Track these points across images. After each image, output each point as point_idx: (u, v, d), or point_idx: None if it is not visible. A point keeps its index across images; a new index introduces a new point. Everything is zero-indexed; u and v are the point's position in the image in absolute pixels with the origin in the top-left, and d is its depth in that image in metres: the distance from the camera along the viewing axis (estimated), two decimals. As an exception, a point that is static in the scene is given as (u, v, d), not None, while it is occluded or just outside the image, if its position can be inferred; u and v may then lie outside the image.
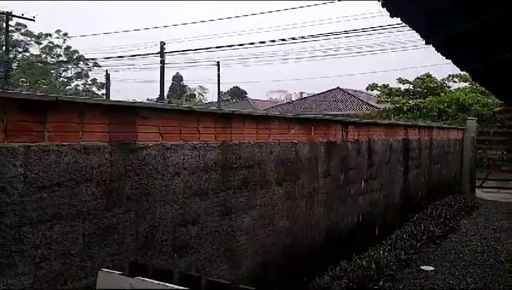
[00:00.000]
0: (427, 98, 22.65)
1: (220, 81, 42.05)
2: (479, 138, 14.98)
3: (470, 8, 3.56)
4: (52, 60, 40.99)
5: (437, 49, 4.45)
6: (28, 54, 40.42)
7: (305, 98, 46.47)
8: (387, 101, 25.59)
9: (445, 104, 21.29)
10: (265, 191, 4.76)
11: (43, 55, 40.85)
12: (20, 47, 39.39)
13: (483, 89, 19.99)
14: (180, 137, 3.73)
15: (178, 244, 3.68)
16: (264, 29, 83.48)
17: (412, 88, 25.62)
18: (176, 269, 3.51)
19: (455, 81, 26.49)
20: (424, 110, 21.59)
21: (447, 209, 9.87)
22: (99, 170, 3.06)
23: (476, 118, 15.76)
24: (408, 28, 3.76)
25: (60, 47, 41.17)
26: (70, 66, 41.90)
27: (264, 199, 4.75)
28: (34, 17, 30.62)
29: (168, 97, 51.78)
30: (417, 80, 25.60)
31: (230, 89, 71.93)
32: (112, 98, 37.09)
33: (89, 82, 43.17)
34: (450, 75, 26.52)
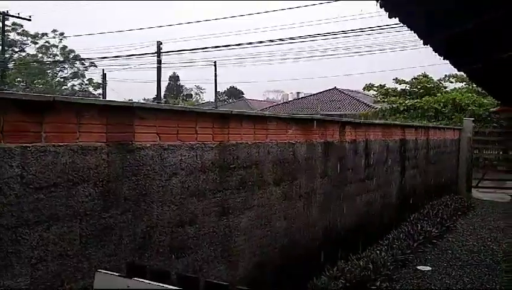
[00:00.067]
0: (423, 98, 22.69)
1: (217, 81, 42.04)
2: (475, 138, 15.03)
3: (467, 9, 3.57)
4: (49, 59, 40.87)
5: (435, 50, 4.46)
6: (24, 54, 40.32)
7: (301, 98, 46.56)
8: (384, 101, 25.66)
9: (442, 104, 21.34)
10: (262, 192, 4.75)
11: (40, 55, 40.74)
12: (16, 47, 39.26)
13: (480, 89, 20.06)
14: (177, 137, 3.72)
15: (175, 245, 3.67)
16: (260, 29, 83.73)
17: (409, 88, 25.69)
18: (173, 270, 3.50)
19: (451, 82, 26.64)
20: (421, 110, 21.63)
21: (443, 209, 9.90)
22: (96, 170, 3.05)
23: (473, 118, 15.82)
24: (407, 28, 3.76)
25: (56, 47, 41.09)
26: (66, 66, 41.79)
27: (262, 200, 4.75)
28: (30, 16, 30.51)
29: (164, 97, 51.72)
30: (413, 80, 25.67)
31: (227, 89, 71.96)
32: (108, 98, 37.04)
33: (86, 82, 43.09)
34: (446, 75, 26.68)
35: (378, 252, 6.46)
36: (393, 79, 26.24)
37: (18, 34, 38.80)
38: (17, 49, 39.68)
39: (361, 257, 6.14)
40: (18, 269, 2.58)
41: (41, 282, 2.69)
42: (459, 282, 5.93)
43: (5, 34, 34.43)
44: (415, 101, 22.75)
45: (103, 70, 39.14)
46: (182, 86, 72.77)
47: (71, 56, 41.38)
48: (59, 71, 42.28)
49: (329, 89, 41.61)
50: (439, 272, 6.30)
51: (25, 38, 39.55)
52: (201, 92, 74.11)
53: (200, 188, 3.91)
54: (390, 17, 3.28)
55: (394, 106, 23.24)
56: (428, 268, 6.45)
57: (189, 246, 3.80)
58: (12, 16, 33.23)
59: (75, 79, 42.66)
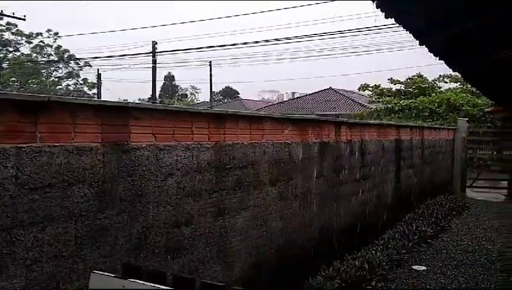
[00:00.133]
0: (418, 99, 22.80)
1: (212, 81, 41.99)
2: (469, 138, 15.10)
3: (465, 10, 3.58)
4: (43, 59, 40.70)
5: (430, 50, 4.48)
6: (18, 54, 40.12)
7: (297, 98, 46.58)
8: (379, 102, 25.74)
9: (436, 105, 21.45)
10: (258, 192, 4.75)
11: (34, 55, 40.56)
12: (10, 46, 39.06)
13: (474, 90, 20.17)
14: (173, 138, 3.71)
15: (171, 245, 3.66)
16: (256, 29, 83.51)
17: (403, 88, 25.78)
18: (169, 271, 3.49)
19: (446, 82, 26.76)
20: (415, 110, 21.73)
21: (438, 209, 9.94)
22: (91, 171, 3.03)
23: (467, 118, 15.89)
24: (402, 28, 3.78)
25: (51, 46, 40.93)
26: (61, 66, 41.63)
27: (258, 200, 4.74)
28: (24, 16, 30.32)
29: (159, 97, 51.63)
30: (408, 80, 25.78)
31: (223, 89, 71.92)
32: (103, 98, 36.91)
33: (80, 82, 42.95)
34: (440, 75, 26.80)
35: (373, 252, 6.48)
36: (388, 79, 26.36)
37: (12, 33, 38.64)
38: (11, 49, 39.50)
39: (357, 257, 6.15)
40: (13, 271, 2.56)
41: (36, 283, 2.68)
42: (454, 282, 5.95)
43: (0, 33, 34.25)
44: (410, 101, 22.86)
45: (98, 70, 39.05)
46: (177, 86, 72.67)
47: (66, 56, 41.22)
48: (53, 71, 42.14)
49: (325, 89, 41.66)
50: (434, 271, 6.33)
51: (20, 37, 39.38)
52: (196, 92, 74.08)
53: (196, 189, 3.91)
54: (386, 17, 3.29)
55: (389, 106, 23.34)
56: (424, 268, 6.47)
57: (185, 247, 3.79)
58: (7, 16, 32.99)
59: (70, 79, 42.54)
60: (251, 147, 4.62)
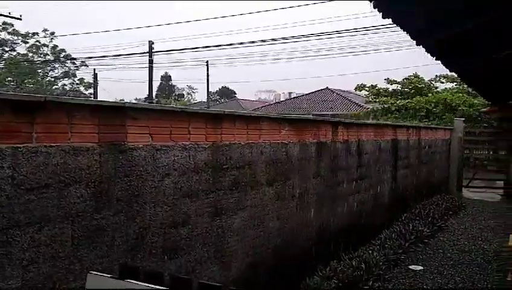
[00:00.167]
0: (414, 99, 22.83)
1: (209, 81, 41.96)
2: (466, 138, 15.15)
3: (462, 10, 3.59)
4: (39, 59, 40.57)
5: (427, 50, 4.49)
6: (14, 53, 39.97)
7: (294, 98, 46.60)
8: (375, 102, 25.78)
9: (433, 105, 21.49)
10: (255, 192, 4.75)
11: (30, 55, 40.42)
12: (6, 46, 38.91)
13: (470, 90, 20.25)
14: (170, 138, 3.70)
15: (168, 246, 3.65)
16: (252, 29, 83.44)
17: (400, 88, 25.82)
18: (166, 271, 3.48)
19: (442, 82, 26.82)
20: (412, 110, 21.77)
21: (434, 209, 9.96)
22: (88, 171, 3.02)
23: (463, 118, 15.94)
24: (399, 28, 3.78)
25: (47, 46, 40.77)
26: (57, 66, 41.50)
27: (255, 200, 4.74)
28: (20, 16, 30.20)
29: (156, 97, 51.54)
30: (405, 80, 25.81)
31: (219, 89, 71.88)
32: (99, 98, 36.84)
33: (76, 81, 42.80)
34: (437, 75, 26.85)
35: (370, 251, 6.49)
36: (385, 79, 26.39)
37: (8, 33, 38.46)
38: (7, 49, 39.33)
39: (354, 257, 6.16)
40: (9, 271, 2.55)
41: (32, 284, 2.66)
42: (450, 281, 5.97)
43: (-5, 33, 34.13)
44: (407, 101, 22.89)
45: (94, 70, 38.95)
46: (174, 85, 72.62)
47: (62, 55, 41.09)
48: (50, 71, 41.98)
49: (321, 89, 41.69)
50: (431, 271, 6.34)
51: (16, 37, 39.20)
52: (193, 92, 74.02)
53: (193, 189, 3.90)
54: (383, 17, 3.30)
55: (386, 106, 23.37)
56: (420, 267, 6.48)
57: (182, 247, 3.78)
58: (3, 16, 32.87)
59: (66, 79, 42.38)
60: (248, 147, 4.62)
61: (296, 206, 5.53)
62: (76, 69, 42.16)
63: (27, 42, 39.96)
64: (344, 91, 42.34)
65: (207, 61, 40.15)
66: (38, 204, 2.70)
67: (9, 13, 28.92)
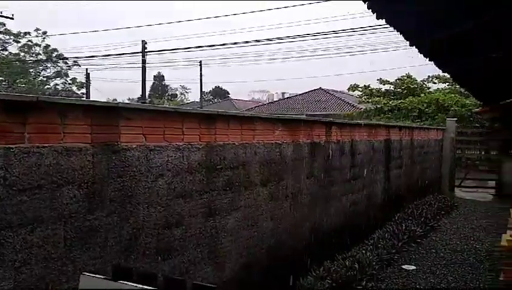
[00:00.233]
0: (407, 99, 22.93)
1: (202, 81, 41.89)
2: (458, 138, 15.24)
3: (456, 12, 3.61)
4: (31, 58, 40.30)
5: (420, 51, 4.51)
6: (6, 53, 39.66)
7: (287, 98, 46.66)
8: (368, 102, 25.86)
9: (425, 105, 21.59)
10: (249, 192, 4.74)
11: (22, 54, 40.14)
12: (-2, 45, 38.62)
13: (462, 90, 20.37)
14: (164, 138, 3.69)
15: (162, 246, 3.63)
16: (246, 29, 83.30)
17: (393, 89, 25.92)
18: (160, 272, 3.47)
19: (434, 82, 26.96)
20: (405, 110, 21.86)
21: (427, 209, 10.01)
22: (81, 172, 3.00)
23: (455, 119, 16.03)
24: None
25: (39, 46, 40.52)
26: (49, 65, 41.25)
27: (249, 200, 4.74)
28: (12, 15, 29.98)
29: (149, 97, 51.36)
30: (397, 80, 25.91)
31: (212, 89, 71.78)
32: (92, 98, 36.66)
33: (69, 81, 42.57)
34: (429, 76, 26.96)
35: (363, 251, 6.51)
36: (378, 79, 26.47)
37: (0, 32, 38.18)
38: (-1, 48, 39.05)
39: (347, 257, 6.17)
40: (1, 273, 2.53)
41: (25, 286, 2.64)
42: (443, 281, 6.00)
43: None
44: (399, 101, 22.98)
45: (87, 69, 38.77)
46: (167, 85, 72.44)
47: (54, 55, 40.85)
48: (42, 70, 41.73)
49: (315, 89, 41.78)
50: (424, 271, 6.37)
51: (7, 37, 38.93)
52: (186, 92, 73.85)
53: (186, 189, 3.89)
54: (377, 18, 3.31)
55: (378, 106, 23.45)
56: (413, 267, 6.51)
57: (175, 248, 3.77)
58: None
59: (58, 78, 42.14)
60: (242, 147, 4.62)
61: (289, 207, 5.53)
62: (69, 69, 41.97)
63: (19, 42, 39.71)
64: (337, 91, 42.46)
65: (200, 61, 40.11)
66: (30, 205, 2.68)
67: (1, 12, 28.71)
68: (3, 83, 37.85)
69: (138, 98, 39.71)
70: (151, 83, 66.11)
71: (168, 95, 69.17)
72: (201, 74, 41.27)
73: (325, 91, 41.20)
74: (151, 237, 3.53)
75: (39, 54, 40.91)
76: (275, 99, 52.15)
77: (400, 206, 9.81)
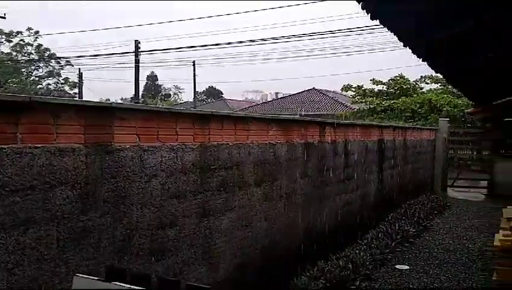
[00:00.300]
0: (400, 99, 23.05)
1: (196, 81, 41.79)
2: (450, 138, 15.33)
3: (448, 14, 3.62)
4: (23, 58, 40.04)
5: (414, 52, 4.53)
6: (-3, 52, 39.38)
7: (281, 98, 46.69)
8: (362, 102, 25.97)
9: (418, 105, 21.72)
10: (243, 193, 4.74)
11: (14, 54, 39.86)
12: (-11, 45, 38.33)
13: (454, 91, 20.50)
14: (157, 138, 3.67)
15: (155, 247, 3.62)
16: (240, 29, 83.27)
17: (386, 89, 26.03)
18: (154, 273, 3.46)
19: (427, 83, 27.14)
20: (397, 111, 21.97)
21: (420, 209, 10.06)
22: (74, 172, 2.98)
23: (448, 119, 16.13)
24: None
25: (31, 45, 40.27)
26: (41, 65, 41.01)
27: (243, 201, 4.73)
28: (4, 14, 29.76)
29: (142, 97, 51.14)
30: (390, 81, 26.04)
31: (206, 89, 71.66)
32: (84, 97, 36.46)
33: (61, 81, 42.35)
34: (422, 76, 27.12)
35: (357, 251, 6.53)
36: (371, 80, 26.58)
37: (-9, 31, 37.92)
38: (-10, 47, 38.75)
39: (341, 257, 6.18)
40: (-7, 275, 2.50)
41: (18, 287, 2.62)
42: (436, 280, 6.02)
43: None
44: (392, 101, 23.10)
45: (79, 69, 38.57)
46: (160, 85, 72.19)
47: (46, 55, 40.61)
48: (34, 70, 41.47)
49: (308, 90, 41.86)
50: (417, 270, 6.39)
51: (-1, 36, 38.65)
52: (179, 92, 73.67)
53: (180, 190, 3.87)
54: (371, 18, 3.31)
55: (372, 106, 23.54)
56: (406, 267, 6.53)
57: (169, 249, 3.75)
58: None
59: (51, 78, 41.91)
60: (236, 147, 4.61)
61: (283, 207, 5.53)
62: (61, 69, 41.74)
63: (11, 41, 39.46)
64: (331, 91, 42.57)
65: (194, 61, 40.02)
66: (23, 206, 2.65)
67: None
68: (-5, 82, 37.57)
69: (131, 98, 39.54)
70: (145, 83, 65.88)
71: (162, 95, 68.97)
72: (194, 73, 41.20)
73: (318, 91, 41.29)
74: (144, 238, 3.52)
75: (31, 53, 40.66)
76: (268, 100, 52.16)
77: (393, 206, 9.85)
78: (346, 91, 29.09)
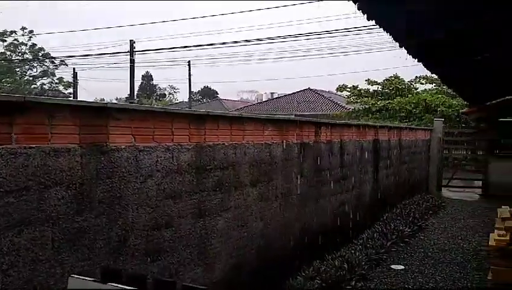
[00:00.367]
0: (395, 99, 23.11)
1: (191, 81, 41.69)
2: (445, 139, 15.38)
3: (444, 14, 3.64)
4: (17, 58, 39.84)
5: (409, 52, 4.54)
6: (-9, 52, 39.17)
7: (276, 98, 46.70)
8: (357, 102, 26.02)
9: (413, 105, 21.78)
10: (239, 193, 4.73)
11: (8, 53, 39.65)
12: (-18, 44, 38.11)
13: (449, 91, 20.58)
14: (153, 138, 3.66)
15: (151, 248, 3.61)
16: (235, 29, 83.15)
17: (381, 89, 26.08)
18: (149, 274, 3.45)
19: (422, 83, 27.17)
20: (392, 111, 22.02)
21: (415, 208, 10.09)
22: (69, 173, 2.97)
23: (443, 119, 16.18)
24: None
25: (25, 44, 40.07)
26: (35, 64, 40.82)
27: (238, 201, 4.72)
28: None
29: (137, 97, 50.99)
30: (385, 81, 26.09)
31: (201, 89, 71.56)
32: (79, 97, 36.32)
33: (56, 81, 42.16)
34: (417, 76, 27.17)
35: (353, 251, 6.54)
36: (366, 80, 26.61)
37: (-15, 31, 37.70)
38: (-17, 47, 38.53)
39: (337, 257, 6.19)
40: (-13, 276, 2.49)
41: (12, 288, 2.60)
42: (431, 280, 6.04)
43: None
44: (387, 102, 23.15)
45: (74, 69, 38.37)
46: (156, 85, 72.03)
47: (40, 54, 40.43)
48: (28, 70, 41.27)
49: (303, 90, 41.89)
50: (412, 270, 6.41)
51: (-8, 35, 38.45)
52: (174, 92, 73.52)
53: (176, 190, 3.86)
54: (368, 19, 3.32)
55: (367, 106, 23.59)
56: (402, 267, 6.55)
57: (165, 249, 3.74)
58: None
59: (45, 78, 41.72)
60: (232, 147, 4.60)
61: (279, 207, 5.53)
62: (55, 68, 41.56)
63: (5, 40, 39.25)
64: (326, 92, 42.61)
65: (189, 61, 39.93)
66: (17, 207, 2.64)
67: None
68: (-11, 82, 37.38)
69: (126, 97, 39.48)
70: (140, 83, 65.66)
71: (157, 95, 68.82)
72: (189, 73, 41.11)
73: (313, 91, 41.33)
74: (140, 239, 3.51)
75: (25, 53, 40.46)
76: (263, 100, 52.18)
77: (389, 206, 9.88)
78: (342, 91, 29.09)
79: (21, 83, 39.19)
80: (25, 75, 41.21)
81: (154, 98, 63.19)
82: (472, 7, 3.58)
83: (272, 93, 56.47)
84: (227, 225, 4.54)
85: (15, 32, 39.19)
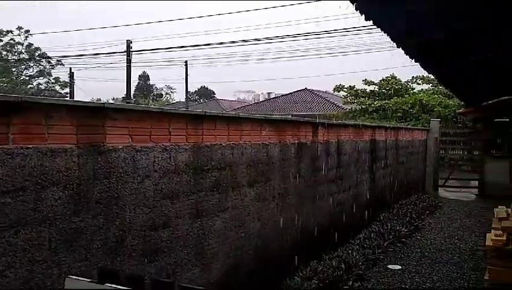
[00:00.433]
0: (392, 99, 23.14)
1: (188, 81, 41.63)
2: (441, 139, 15.42)
3: (441, 15, 3.64)
4: (14, 57, 39.70)
5: (406, 53, 4.55)
6: (-13, 52, 39.04)
7: (273, 98, 46.72)
8: (354, 102, 26.03)
9: (409, 105, 21.82)
10: (236, 193, 4.73)
11: (4, 53, 39.51)
12: (-22, 44, 37.98)
13: (446, 91, 20.64)
14: (150, 139, 3.65)
15: (148, 248, 3.60)
16: (232, 29, 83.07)
17: (378, 89, 26.11)
18: (146, 274, 3.44)
19: (419, 83, 27.22)
20: (389, 111, 22.05)
21: (412, 208, 10.12)
22: (66, 173, 2.95)
23: (439, 119, 16.22)
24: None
25: (22, 44, 39.95)
26: (32, 64, 40.69)
27: (236, 201, 4.72)
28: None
29: (134, 97, 50.91)
30: (382, 81, 26.12)
31: (198, 89, 71.48)
32: (76, 97, 36.19)
33: (52, 80, 42.04)
34: (413, 76, 27.22)
35: (350, 251, 6.55)
36: (363, 80, 26.63)
37: (-19, 31, 37.58)
38: (-20, 47, 38.40)
39: (334, 257, 6.20)
40: (-16, 277, 2.47)
41: (9, 289, 2.59)
42: (428, 280, 6.06)
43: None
44: (384, 102, 23.17)
45: (70, 68, 38.23)
46: (152, 85, 71.87)
47: (37, 54, 40.31)
48: (24, 69, 41.13)
49: (300, 90, 41.91)
50: (409, 270, 6.42)
51: (-11, 35, 38.31)
52: (171, 92, 73.40)
53: (173, 190, 3.86)
54: (366, 19, 3.32)
55: (364, 106, 23.62)
56: (399, 267, 6.56)
57: (162, 250, 3.74)
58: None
59: (41, 78, 41.59)
60: (229, 148, 4.60)
61: (276, 207, 5.53)
62: (52, 68, 41.44)
63: (1, 40, 39.10)
64: (323, 92, 42.65)
65: (186, 61, 39.83)
66: (14, 207, 2.63)
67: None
68: (-15, 82, 37.26)
69: (123, 97, 39.31)
70: (136, 83, 65.49)
71: (154, 95, 68.69)
72: (186, 73, 41.00)
73: (310, 91, 41.36)
74: (137, 239, 3.50)
75: (22, 52, 40.34)
76: (260, 100, 52.20)
77: (385, 206, 9.89)
78: (338, 91, 29.11)
79: (17, 82, 39.08)
80: (21, 75, 41.08)
81: (151, 98, 63.05)
82: (472, 7, 3.58)
83: (269, 94, 56.50)
84: (225, 226, 4.54)
85: (11, 31, 39.08)
